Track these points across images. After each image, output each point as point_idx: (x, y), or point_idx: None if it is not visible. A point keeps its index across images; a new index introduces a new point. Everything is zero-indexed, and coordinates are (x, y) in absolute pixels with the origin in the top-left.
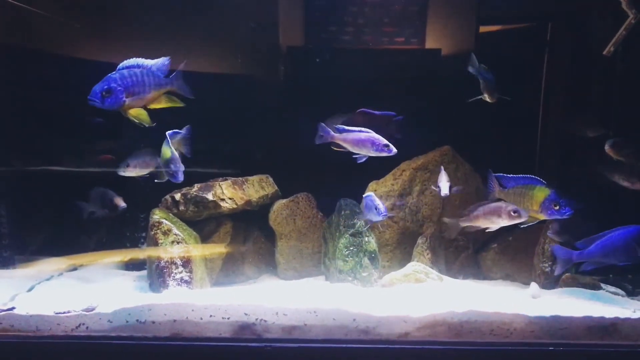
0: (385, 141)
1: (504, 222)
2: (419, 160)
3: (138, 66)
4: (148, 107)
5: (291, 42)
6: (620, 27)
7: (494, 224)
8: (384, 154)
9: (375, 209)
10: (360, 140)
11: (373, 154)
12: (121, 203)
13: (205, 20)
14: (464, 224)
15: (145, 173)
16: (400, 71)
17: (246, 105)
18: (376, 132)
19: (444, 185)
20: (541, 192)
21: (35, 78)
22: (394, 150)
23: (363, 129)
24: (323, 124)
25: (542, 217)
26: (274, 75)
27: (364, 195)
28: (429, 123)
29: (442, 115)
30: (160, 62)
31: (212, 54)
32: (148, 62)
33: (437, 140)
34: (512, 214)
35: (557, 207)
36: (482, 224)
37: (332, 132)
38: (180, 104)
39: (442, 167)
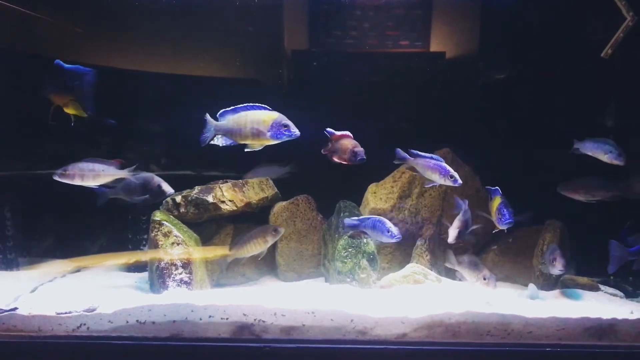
0: (453, 172)
1: (477, 285)
2: None
3: None
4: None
5: (296, 46)
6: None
7: (472, 281)
8: (449, 183)
9: (388, 231)
10: (429, 166)
11: (439, 181)
12: (169, 189)
13: (208, 25)
14: (457, 268)
15: (85, 184)
16: (405, 74)
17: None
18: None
19: (452, 231)
20: (496, 202)
21: (40, 82)
22: (459, 181)
23: (434, 155)
24: (399, 149)
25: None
26: (278, 78)
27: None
28: (432, 125)
29: (446, 117)
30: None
31: (214, 58)
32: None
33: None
34: (483, 280)
35: (500, 217)
36: (464, 274)
37: (409, 156)
38: (85, 115)
39: (466, 202)
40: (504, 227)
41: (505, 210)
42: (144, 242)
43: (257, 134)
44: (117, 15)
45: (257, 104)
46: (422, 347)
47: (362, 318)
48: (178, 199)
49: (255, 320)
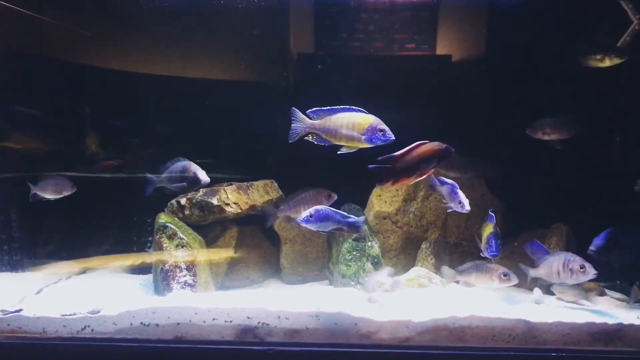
0: (463, 198)
1: (495, 285)
2: None
3: None
4: None
5: (302, 49)
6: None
7: (485, 285)
8: (458, 209)
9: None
10: (448, 192)
11: (454, 206)
12: (204, 177)
13: (215, 28)
14: (459, 278)
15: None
16: (411, 77)
17: (255, 112)
18: None
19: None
20: (488, 230)
21: (46, 85)
22: (467, 209)
23: (455, 183)
24: (433, 176)
25: None
26: (284, 81)
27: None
28: (438, 128)
29: (453, 120)
30: None
31: (220, 60)
32: None
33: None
34: (503, 277)
35: (487, 247)
36: (472, 280)
37: (437, 182)
38: None
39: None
40: (490, 258)
41: (494, 242)
42: (149, 244)
43: (351, 137)
44: (123, 19)
45: (353, 107)
46: (426, 351)
47: (366, 321)
48: (183, 201)
49: (259, 323)
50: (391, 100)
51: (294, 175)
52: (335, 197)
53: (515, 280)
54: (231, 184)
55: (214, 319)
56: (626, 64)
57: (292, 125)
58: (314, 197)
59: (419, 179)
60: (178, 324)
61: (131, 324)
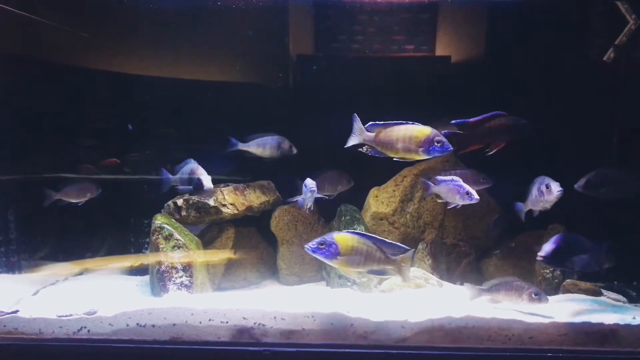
0: (469, 189)
1: (523, 304)
2: (420, 166)
3: None
4: None
5: (301, 51)
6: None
7: (513, 303)
8: (467, 201)
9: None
10: (450, 188)
11: (459, 201)
12: (208, 184)
13: (213, 30)
14: (484, 296)
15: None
16: (410, 78)
17: (255, 113)
18: None
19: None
20: None
21: (46, 87)
22: (476, 197)
23: (454, 178)
24: (424, 179)
25: None
26: (283, 83)
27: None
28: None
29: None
30: None
31: (219, 62)
32: None
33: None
34: (533, 296)
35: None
36: (498, 297)
37: (432, 184)
38: None
39: None
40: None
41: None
42: (146, 245)
43: (408, 150)
44: (121, 21)
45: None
46: (422, 351)
47: (362, 322)
48: (179, 202)
49: (255, 323)
50: (390, 102)
51: (292, 177)
52: (353, 183)
53: (545, 301)
54: (228, 185)
55: (210, 320)
56: (623, 64)
57: (352, 135)
58: (337, 176)
59: (492, 152)
60: (174, 324)
61: (127, 325)
